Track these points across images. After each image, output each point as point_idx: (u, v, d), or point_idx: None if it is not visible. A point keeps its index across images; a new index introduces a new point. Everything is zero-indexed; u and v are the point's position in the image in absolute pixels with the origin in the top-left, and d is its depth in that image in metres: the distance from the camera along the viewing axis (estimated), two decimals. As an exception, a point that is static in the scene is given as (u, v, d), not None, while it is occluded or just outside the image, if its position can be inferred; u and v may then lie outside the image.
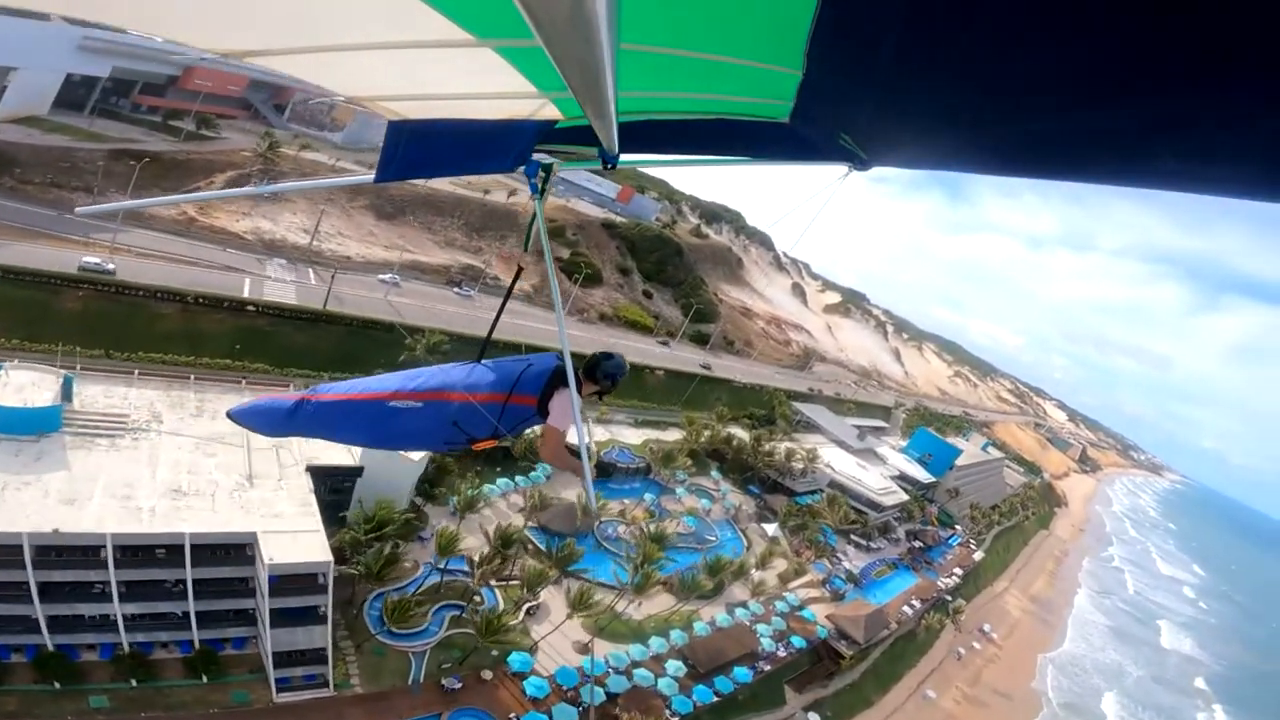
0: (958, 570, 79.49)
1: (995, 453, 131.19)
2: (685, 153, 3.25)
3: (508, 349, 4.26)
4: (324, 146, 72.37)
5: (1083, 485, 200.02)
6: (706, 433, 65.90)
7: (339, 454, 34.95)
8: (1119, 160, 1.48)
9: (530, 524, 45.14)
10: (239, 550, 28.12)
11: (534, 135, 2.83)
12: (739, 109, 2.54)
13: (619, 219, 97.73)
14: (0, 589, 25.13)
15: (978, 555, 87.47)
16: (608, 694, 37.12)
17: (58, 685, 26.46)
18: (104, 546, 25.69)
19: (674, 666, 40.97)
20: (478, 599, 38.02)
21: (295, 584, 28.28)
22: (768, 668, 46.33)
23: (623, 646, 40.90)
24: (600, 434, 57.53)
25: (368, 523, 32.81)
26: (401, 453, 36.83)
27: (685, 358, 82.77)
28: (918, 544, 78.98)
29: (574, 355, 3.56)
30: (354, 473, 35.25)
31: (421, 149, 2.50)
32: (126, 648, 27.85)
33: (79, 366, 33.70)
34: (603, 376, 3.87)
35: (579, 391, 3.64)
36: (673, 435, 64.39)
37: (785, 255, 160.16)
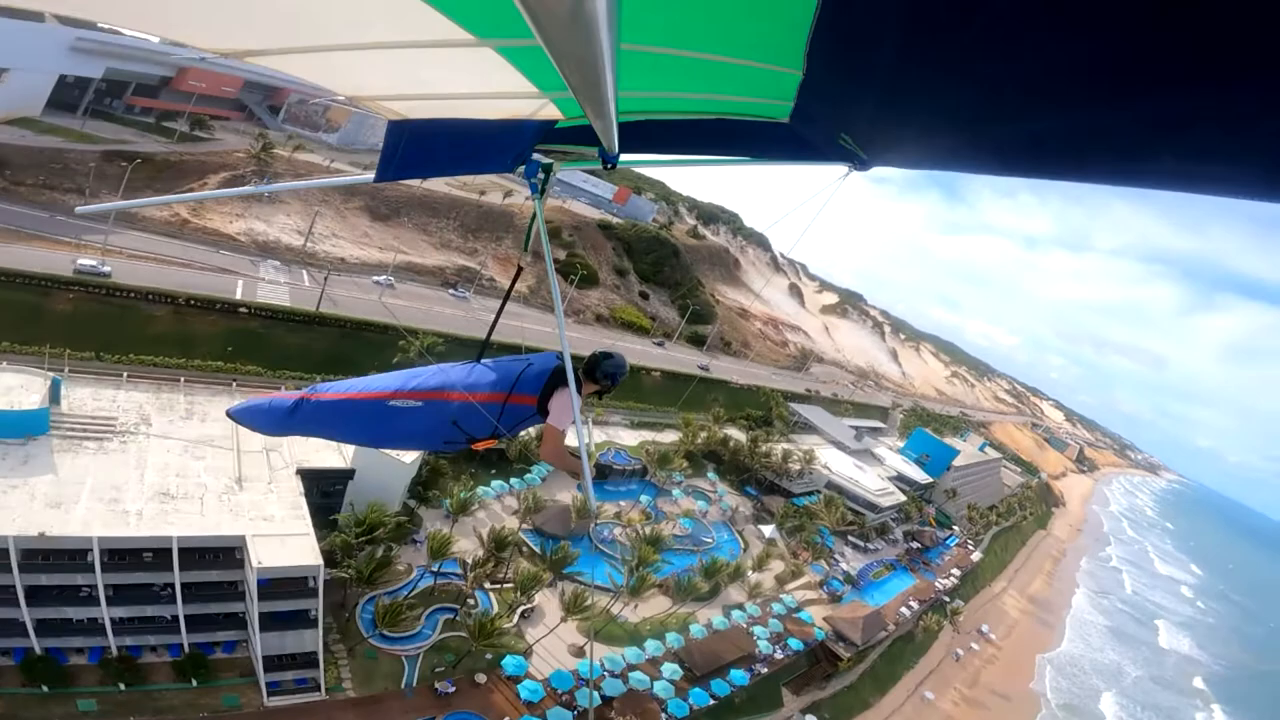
0: (955, 571, 79.37)
1: (992, 453, 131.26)
2: (685, 153, 3.24)
3: (503, 350, 4.20)
4: (319, 148, 72.13)
5: (1080, 485, 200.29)
6: (703, 434, 65.71)
7: (330, 456, 34.71)
8: (1119, 160, 1.46)
9: (525, 526, 44.89)
10: (228, 554, 27.85)
11: (534, 135, 2.83)
12: (739, 109, 2.56)
13: (615, 220, 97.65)
14: (-12, 593, 24.84)
15: (975, 556, 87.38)
16: (603, 697, 36.87)
17: (46, 689, 26.25)
18: (90, 550, 25.45)
19: (670, 669, 40.72)
20: (471, 602, 37.76)
21: (285, 587, 28.03)
22: (765, 670, 46.10)
23: (618, 649, 40.65)
24: (596, 436, 57.41)
25: (359, 526, 32.54)
26: (393, 455, 36.63)
27: (682, 359, 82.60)
28: (915, 545, 78.85)
29: (572, 356, 3.56)
30: (345, 475, 34.98)
31: (422, 149, 2.52)
32: (115, 651, 27.60)
33: (67, 369, 33.40)
34: (602, 376, 3.87)
35: (579, 391, 3.63)
36: (669, 437, 64.17)
37: (782, 256, 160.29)
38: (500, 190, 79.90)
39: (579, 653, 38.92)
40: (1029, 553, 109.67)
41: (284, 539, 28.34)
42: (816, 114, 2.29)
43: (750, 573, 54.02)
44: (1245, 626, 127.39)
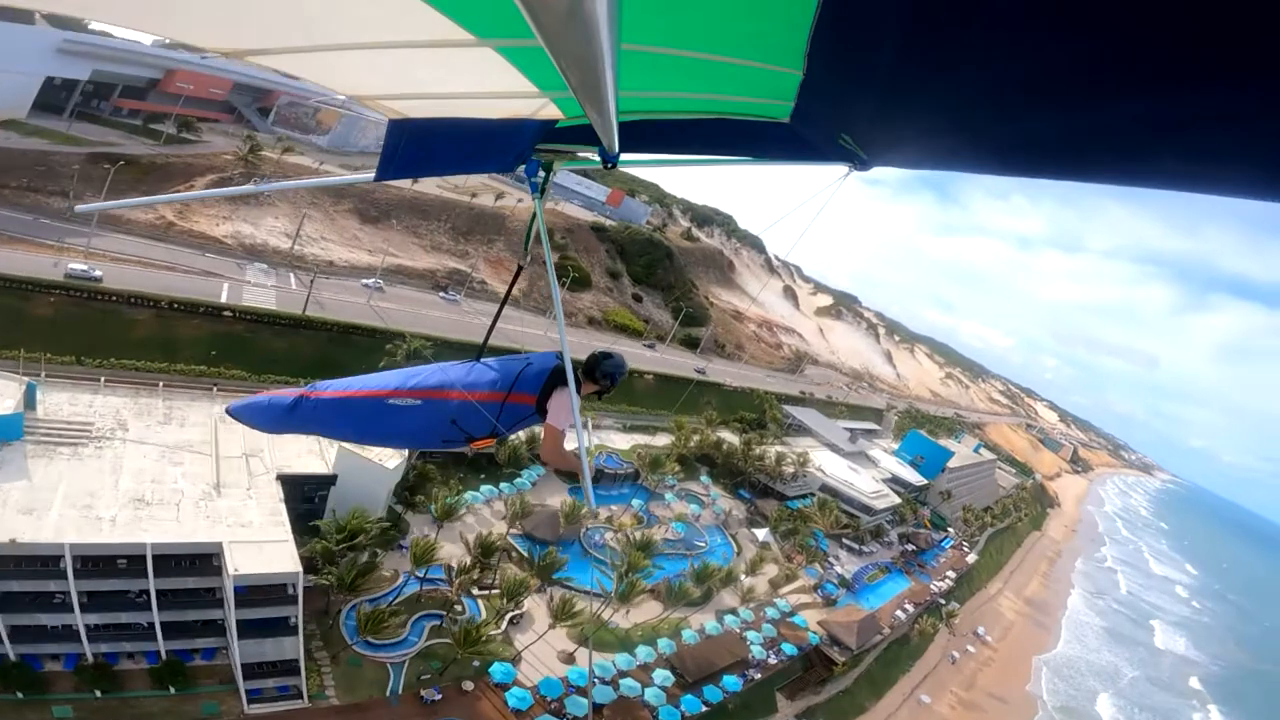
0: (951, 573, 79.05)
1: (987, 454, 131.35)
2: (686, 152, 3.25)
3: (493, 352, 4.01)
4: (309, 150, 71.64)
5: (1075, 486, 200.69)
6: (696, 437, 65.31)
7: (312, 462, 34.22)
8: (1119, 160, 1.45)
9: (514, 531, 44.39)
10: (205, 560, 27.35)
11: (534, 135, 2.85)
12: (740, 109, 2.56)
13: (609, 222, 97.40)
14: (-42, 600, 24.37)
15: (971, 558, 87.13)
16: (593, 705, 36.33)
17: (20, 695, 25.93)
18: (63, 557, 24.94)
19: (662, 676, 40.20)
20: (459, 608, 37.22)
21: (264, 594, 27.56)
22: (758, 676, 45.61)
23: (609, 656, 40.12)
24: (590, 439, 56.96)
25: (340, 532, 32.00)
26: (376, 460, 36.17)
27: (676, 362, 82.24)
28: (910, 547, 78.51)
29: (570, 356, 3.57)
30: (328, 481, 34.46)
31: (422, 148, 2.53)
32: (91, 658, 27.19)
33: (44, 374, 32.86)
34: (602, 376, 3.88)
35: (578, 391, 3.65)
36: (662, 440, 63.79)
37: (777, 258, 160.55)
38: (492, 192, 79.57)
39: (568, 659, 38.38)
40: (1024, 554, 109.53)
41: (262, 545, 27.86)
42: (817, 114, 2.29)
43: (743, 577, 53.52)
44: (1241, 626, 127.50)
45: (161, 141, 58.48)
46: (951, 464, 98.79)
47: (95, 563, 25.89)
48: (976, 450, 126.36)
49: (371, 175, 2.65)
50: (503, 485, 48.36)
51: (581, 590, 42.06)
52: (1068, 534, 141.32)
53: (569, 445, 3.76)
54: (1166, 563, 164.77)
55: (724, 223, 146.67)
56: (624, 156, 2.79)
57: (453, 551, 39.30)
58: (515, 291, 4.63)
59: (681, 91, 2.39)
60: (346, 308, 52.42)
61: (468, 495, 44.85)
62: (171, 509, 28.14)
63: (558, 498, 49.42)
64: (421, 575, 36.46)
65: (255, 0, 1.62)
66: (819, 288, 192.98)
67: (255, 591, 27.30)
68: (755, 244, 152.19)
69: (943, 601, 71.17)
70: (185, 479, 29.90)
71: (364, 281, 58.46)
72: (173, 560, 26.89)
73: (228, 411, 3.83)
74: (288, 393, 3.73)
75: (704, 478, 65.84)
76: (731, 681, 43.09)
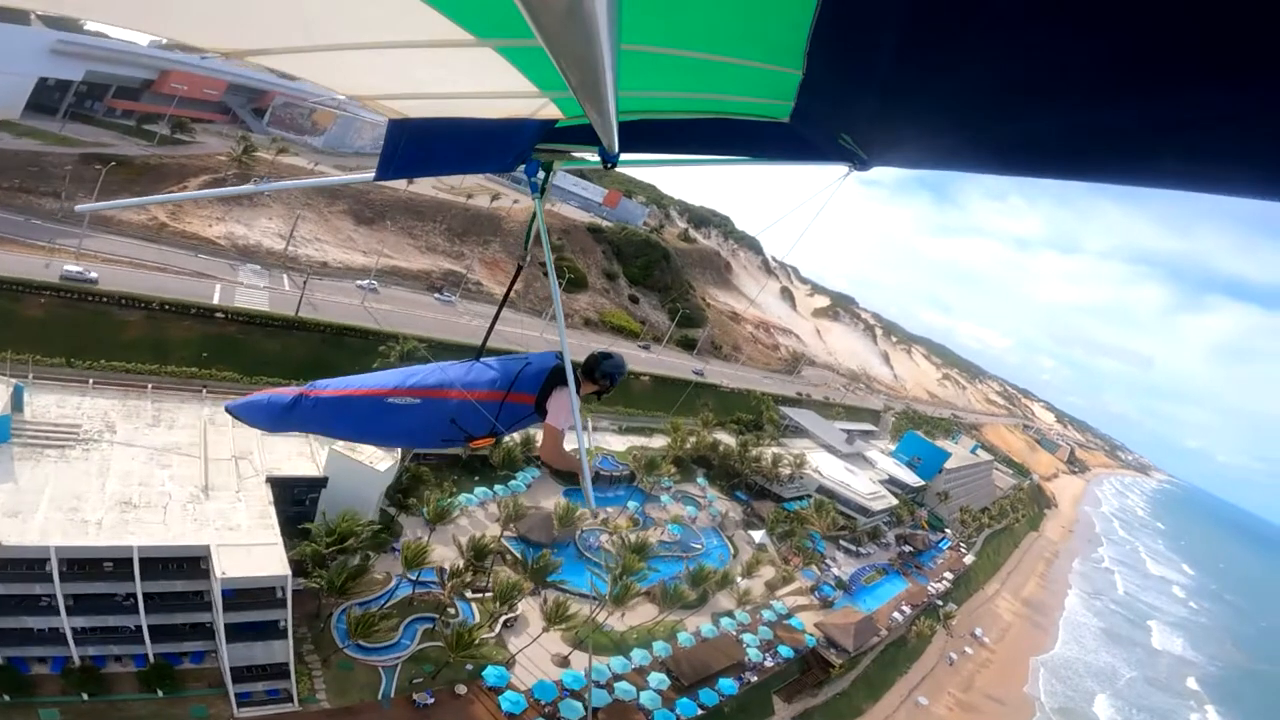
0: (948, 574, 78.97)
1: (984, 455, 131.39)
2: (685, 152, 3.25)
3: (490, 353, 3.95)
4: (304, 151, 71.39)
5: (1071, 486, 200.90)
6: (692, 439, 65.10)
7: (302, 464, 33.95)
8: (1120, 159, 1.44)
9: (507, 534, 44.12)
10: (192, 564, 27.07)
11: (534, 134, 2.85)
12: (739, 109, 2.56)
13: (605, 223, 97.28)
14: (-57, 604, 24.10)
15: (968, 559, 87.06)
16: (588, 708, 36.08)
17: (7, 698, 25.74)
18: (48, 560, 24.66)
19: (657, 679, 39.95)
20: (452, 611, 36.94)
21: (252, 598, 27.30)
22: (754, 679, 45.37)
23: (604, 659, 39.86)
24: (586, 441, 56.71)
25: (330, 535, 31.72)
26: (367, 462, 35.92)
27: (672, 363, 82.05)
28: (907, 548, 78.36)
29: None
30: (318, 483, 34.18)
31: (422, 148, 2.54)
32: (77, 661, 26.91)
33: (31, 376, 32.55)
34: (602, 376, 3.87)
35: (578, 391, 3.64)
36: (658, 442, 63.56)
37: (774, 259, 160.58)
38: (488, 193, 79.42)
39: (563, 663, 38.13)
40: (1021, 555, 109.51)
41: (250, 549, 27.60)
42: (817, 114, 2.29)
43: (740, 579, 53.28)
44: (1238, 626, 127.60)
45: (155, 142, 58.22)
46: (949, 465, 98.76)
47: (81, 566, 25.62)
48: (973, 451, 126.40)
49: (370, 175, 2.64)
50: (497, 488, 48.09)
51: (576, 593, 41.76)
52: (1065, 535, 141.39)
53: (568, 445, 3.75)
54: (1163, 563, 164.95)
55: (721, 224, 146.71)
56: (624, 156, 2.79)
57: (445, 554, 39.01)
58: (512, 292, 4.57)
59: (681, 91, 2.40)
60: (340, 309, 52.17)
61: (461, 498, 44.58)
62: (159, 512, 27.86)
63: (552, 500, 49.18)
64: (414, 578, 36.18)
65: (255, 0, 1.61)
66: (816, 289, 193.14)
67: (243, 595, 27.04)
68: (752, 245, 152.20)
69: (940, 603, 71.04)
70: (173, 481, 29.63)
71: (358, 283, 58.22)
72: (160, 563, 26.59)
73: (227, 409, 3.83)
74: (287, 391, 3.71)
75: (700, 479, 65.64)
76: (728, 684, 42.84)
